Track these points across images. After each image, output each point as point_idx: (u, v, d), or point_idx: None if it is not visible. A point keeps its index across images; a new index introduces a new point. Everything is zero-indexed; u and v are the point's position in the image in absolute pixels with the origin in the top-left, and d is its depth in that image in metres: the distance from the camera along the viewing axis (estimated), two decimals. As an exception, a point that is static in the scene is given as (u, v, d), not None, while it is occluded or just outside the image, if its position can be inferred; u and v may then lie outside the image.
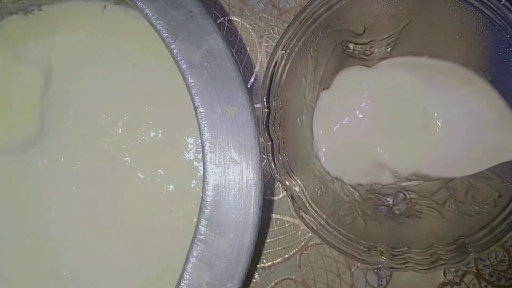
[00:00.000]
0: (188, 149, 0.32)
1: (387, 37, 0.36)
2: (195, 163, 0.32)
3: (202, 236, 0.21)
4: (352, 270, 0.36)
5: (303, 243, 0.36)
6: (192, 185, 0.31)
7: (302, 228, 0.37)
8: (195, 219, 0.30)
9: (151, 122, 0.33)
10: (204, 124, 0.22)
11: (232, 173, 0.22)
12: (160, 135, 0.32)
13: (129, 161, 0.32)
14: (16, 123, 0.34)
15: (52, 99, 0.34)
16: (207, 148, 0.22)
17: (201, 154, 0.32)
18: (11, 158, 0.32)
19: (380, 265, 0.31)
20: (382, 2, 0.33)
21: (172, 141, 0.32)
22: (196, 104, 0.22)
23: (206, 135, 0.22)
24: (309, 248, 0.36)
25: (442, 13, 0.32)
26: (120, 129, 0.33)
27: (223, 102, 0.22)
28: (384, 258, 0.31)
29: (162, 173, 0.31)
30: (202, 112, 0.22)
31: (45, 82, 0.34)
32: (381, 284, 0.36)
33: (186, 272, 0.21)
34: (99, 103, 0.34)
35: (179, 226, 0.30)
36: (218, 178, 0.22)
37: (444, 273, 0.36)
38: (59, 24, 0.35)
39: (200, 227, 0.22)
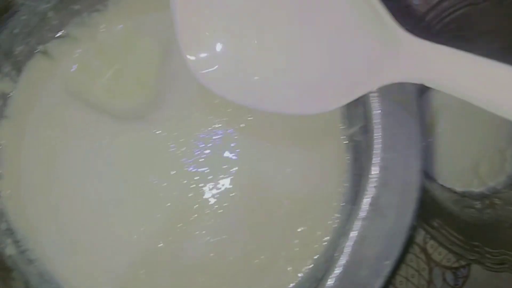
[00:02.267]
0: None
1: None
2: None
3: (365, 214, 0.23)
4: (431, 267, 0.38)
5: (388, 236, 0.38)
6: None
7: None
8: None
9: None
10: (378, 109, 0.23)
11: (397, 156, 0.23)
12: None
13: (247, 140, 0.33)
14: (134, 91, 0.34)
15: (168, 71, 0.35)
16: (377, 132, 0.23)
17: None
18: (131, 123, 0.33)
19: (477, 263, 0.32)
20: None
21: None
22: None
23: (377, 120, 0.23)
24: (393, 242, 0.38)
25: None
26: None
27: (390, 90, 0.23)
28: (480, 257, 0.32)
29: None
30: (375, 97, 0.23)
31: (162, 54, 0.35)
32: (458, 284, 0.38)
33: (346, 248, 0.23)
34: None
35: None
36: (385, 160, 0.23)
37: (520, 276, 0.38)
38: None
39: (364, 206, 0.23)
